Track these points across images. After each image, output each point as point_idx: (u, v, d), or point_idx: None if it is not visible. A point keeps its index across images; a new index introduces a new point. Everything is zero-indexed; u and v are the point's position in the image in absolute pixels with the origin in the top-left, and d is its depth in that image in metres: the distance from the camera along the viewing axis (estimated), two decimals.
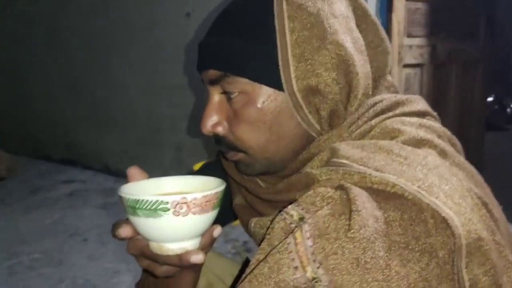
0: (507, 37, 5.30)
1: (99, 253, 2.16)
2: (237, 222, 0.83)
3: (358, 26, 0.62)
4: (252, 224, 0.64)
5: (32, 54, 3.81)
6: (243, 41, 0.56)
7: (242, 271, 0.82)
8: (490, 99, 4.73)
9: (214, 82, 0.59)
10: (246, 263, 0.88)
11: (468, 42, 2.63)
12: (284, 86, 0.56)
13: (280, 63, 0.55)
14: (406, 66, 2.14)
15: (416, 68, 2.24)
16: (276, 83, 0.56)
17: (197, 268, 0.66)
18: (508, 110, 5.17)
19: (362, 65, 0.58)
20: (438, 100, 2.41)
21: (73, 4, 3.42)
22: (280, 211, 0.51)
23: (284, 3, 0.55)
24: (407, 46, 2.11)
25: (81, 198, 3.00)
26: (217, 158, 0.84)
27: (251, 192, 0.68)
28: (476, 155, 2.55)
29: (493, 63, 2.98)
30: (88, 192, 3.12)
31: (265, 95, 0.57)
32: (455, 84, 2.56)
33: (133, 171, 0.57)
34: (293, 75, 0.55)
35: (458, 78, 2.58)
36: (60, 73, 3.65)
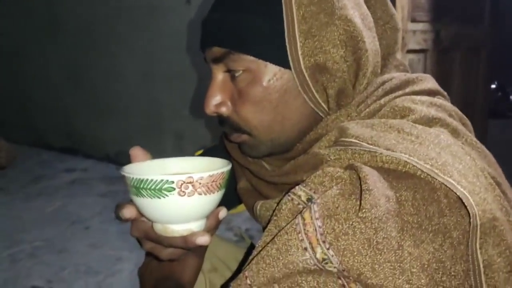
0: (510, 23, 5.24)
1: (101, 241, 2.16)
2: (237, 209, 0.82)
3: (366, 2, 0.60)
4: (258, 207, 0.62)
5: (32, 42, 3.79)
6: (248, 17, 0.54)
7: (247, 255, 0.81)
8: (493, 86, 4.70)
9: (217, 60, 0.57)
10: (251, 248, 0.87)
11: (472, 28, 2.59)
12: (291, 64, 0.54)
13: (286, 39, 0.53)
14: (410, 51, 2.12)
15: (419, 54, 2.21)
16: (282, 61, 0.54)
17: (201, 252, 0.65)
18: (511, 97, 5.14)
19: (371, 42, 0.56)
20: (442, 86, 2.38)
21: None
22: (287, 192, 0.50)
23: None
24: (411, 31, 2.08)
25: (82, 186, 3.00)
26: (220, 141, 0.82)
27: (256, 175, 0.66)
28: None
29: (497, 49, 2.95)
30: (89, 180, 3.11)
31: (270, 73, 0.55)
32: (458, 70, 2.53)
33: (136, 151, 0.56)
34: (300, 52, 0.53)
35: (462, 64, 2.55)
36: (60, 61, 3.63)
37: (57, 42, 3.59)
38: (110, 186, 2.94)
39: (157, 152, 3.12)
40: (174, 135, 3.02)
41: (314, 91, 0.55)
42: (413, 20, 2.12)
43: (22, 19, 3.81)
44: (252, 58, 0.54)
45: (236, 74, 0.56)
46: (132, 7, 3.02)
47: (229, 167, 0.51)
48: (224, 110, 0.59)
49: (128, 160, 0.56)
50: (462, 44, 2.51)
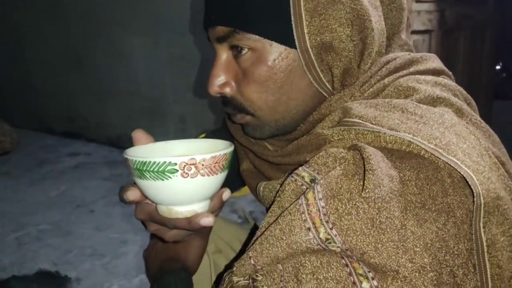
0: None
1: (106, 224, 2.18)
2: (240, 192, 0.82)
3: None
4: (261, 188, 0.62)
5: (33, 27, 3.76)
6: None
7: (250, 236, 0.81)
8: (497, 67, 4.66)
9: (221, 39, 0.56)
10: (254, 229, 0.87)
11: (477, 8, 2.56)
12: (296, 43, 0.53)
13: (292, 18, 0.52)
14: (414, 32, 2.09)
15: (424, 35, 2.18)
16: (287, 40, 0.53)
17: (205, 233, 0.65)
18: None
19: (377, 21, 0.55)
20: (446, 67, 2.36)
21: None
22: (290, 173, 0.49)
23: None
24: (415, 11, 2.06)
25: (86, 170, 3.01)
26: (223, 123, 0.82)
27: (259, 156, 0.66)
28: None
29: (502, 29, 2.91)
30: (93, 164, 3.12)
31: (276, 52, 0.54)
32: (463, 51, 2.51)
33: (138, 134, 0.56)
34: (306, 31, 0.52)
35: (466, 45, 2.52)
36: (61, 45, 3.61)
37: (58, 26, 3.57)
38: (114, 170, 2.95)
39: (160, 135, 3.09)
40: (177, 119, 3.02)
41: (319, 70, 0.54)
42: (418, 1, 2.09)
43: (23, 4, 3.78)
44: (257, 37, 0.53)
45: (241, 54, 0.55)
46: None
47: (231, 148, 0.51)
48: (228, 90, 0.58)
49: (130, 143, 0.56)
50: (467, 24, 2.48)
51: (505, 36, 3.85)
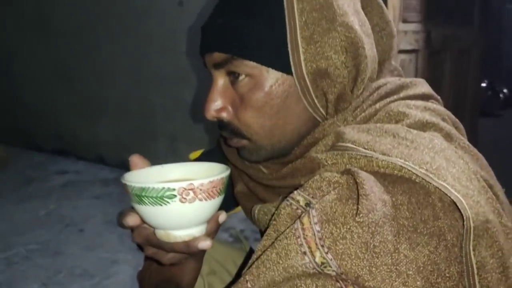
0: (499, 23, 5.29)
1: (96, 243, 2.15)
2: (233, 211, 0.83)
3: (363, 8, 0.61)
4: (256, 211, 0.63)
5: (23, 43, 3.75)
6: (251, 23, 0.55)
7: (246, 259, 0.81)
8: (483, 85, 4.74)
9: (219, 65, 0.57)
10: (250, 252, 0.87)
11: (463, 28, 2.62)
12: (293, 69, 0.54)
13: (289, 45, 0.54)
14: (401, 52, 2.14)
15: (411, 54, 2.23)
16: (284, 67, 0.54)
17: (200, 255, 0.65)
18: (501, 96, 5.19)
19: (369, 49, 0.57)
20: (433, 86, 2.39)
21: None
22: (285, 197, 0.50)
23: None
24: (402, 31, 2.10)
25: (75, 188, 2.98)
26: (217, 144, 0.83)
27: (254, 179, 0.67)
28: (470, 141, 2.55)
29: (487, 48, 2.98)
30: (82, 182, 3.10)
31: (273, 79, 0.55)
32: (449, 70, 2.56)
33: (135, 159, 0.56)
34: (302, 58, 0.53)
35: (453, 64, 2.58)
36: (50, 62, 3.60)
37: (48, 43, 3.57)
38: (103, 188, 2.93)
39: (151, 154, 3.11)
40: (167, 137, 3.01)
41: (314, 96, 0.56)
42: (404, 21, 2.14)
43: (12, 20, 3.78)
44: (254, 64, 0.55)
45: (238, 80, 0.57)
46: (124, 8, 3.01)
47: (228, 172, 0.52)
48: (224, 115, 0.59)
49: (127, 167, 0.57)
50: (453, 44, 2.54)
51: (490, 54, 3.93)
